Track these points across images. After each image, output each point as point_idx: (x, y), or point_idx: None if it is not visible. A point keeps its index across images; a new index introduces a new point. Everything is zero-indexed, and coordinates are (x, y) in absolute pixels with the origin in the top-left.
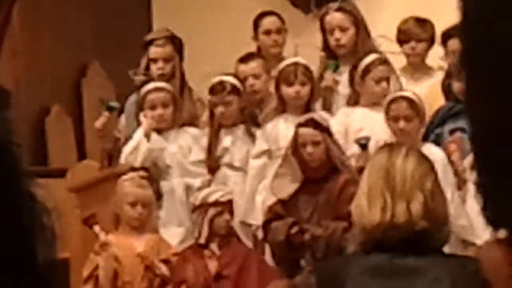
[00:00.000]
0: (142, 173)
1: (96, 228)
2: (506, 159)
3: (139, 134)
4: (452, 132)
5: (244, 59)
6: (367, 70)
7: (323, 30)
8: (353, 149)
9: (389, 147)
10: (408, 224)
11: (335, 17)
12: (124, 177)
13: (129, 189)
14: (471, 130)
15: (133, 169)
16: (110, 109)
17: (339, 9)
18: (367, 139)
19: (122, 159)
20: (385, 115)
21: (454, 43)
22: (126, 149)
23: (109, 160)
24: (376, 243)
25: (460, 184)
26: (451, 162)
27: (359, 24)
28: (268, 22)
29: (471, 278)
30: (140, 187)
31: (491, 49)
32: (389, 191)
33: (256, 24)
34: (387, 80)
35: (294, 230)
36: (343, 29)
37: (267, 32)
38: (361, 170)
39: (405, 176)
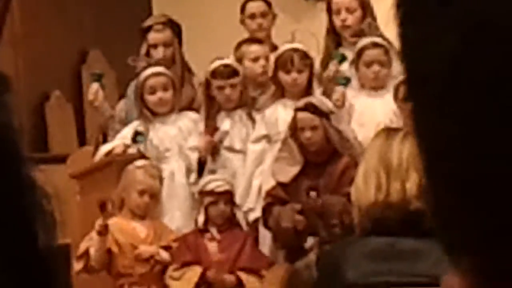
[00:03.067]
0: (154, 162)
1: (105, 214)
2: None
3: (134, 125)
4: None
5: (256, 41)
6: (359, 54)
7: (329, 12)
8: (354, 133)
9: (387, 130)
10: (402, 203)
11: None
12: (137, 163)
13: (140, 178)
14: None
15: (141, 156)
16: (96, 78)
17: None
18: (348, 79)
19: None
20: (394, 97)
21: None
22: (123, 135)
23: (103, 138)
24: (373, 224)
25: None
26: None
27: (366, 7)
28: (252, 6)
29: None
30: (151, 177)
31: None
32: (384, 171)
33: (242, 8)
34: (381, 63)
35: (299, 217)
36: (350, 11)
37: (252, 16)
38: (336, 100)
39: (401, 156)
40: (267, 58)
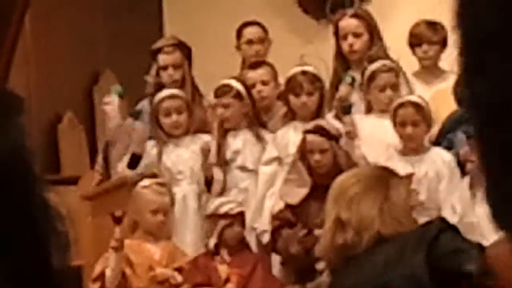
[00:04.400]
0: (160, 180)
1: (117, 229)
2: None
3: (152, 144)
4: (469, 138)
5: (253, 66)
6: (371, 77)
7: (336, 35)
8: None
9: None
10: (328, 245)
11: (349, 23)
12: (142, 184)
13: (150, 197)
14: (473, 124)
15: (146, 176)
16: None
17: (353, 15)
18: (350, 105)
19: (140, 167)
20: (391, 120)
21: None
22: (147, 158)
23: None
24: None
25: (472, 184)
26: (467, 161)
27: (373, 31)
28: (250, 32)
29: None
30: (160, 194)
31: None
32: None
33: (239, 33)
34: (393, 87)
35: (308, 239)
36: (357, 35)
37: (249, 42)
38: (348, 133)
39: (329, 199)
40: (264, 83)
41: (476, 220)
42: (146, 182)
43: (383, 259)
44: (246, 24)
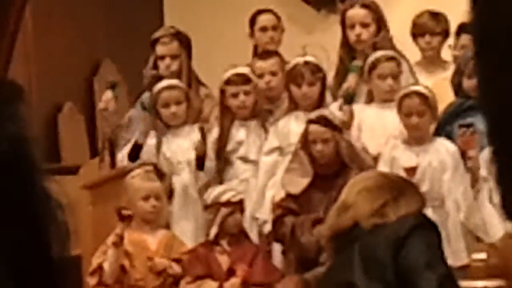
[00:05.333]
0: (147, 167)
1: (120, 224)
2: None
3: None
4: (461, 127)
5: (263, 56)
6: (373, 66)
7: (343, 25)
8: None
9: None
10: (329, 225)
11: (358, 13)
12: (130, 174)
13: (139, 184)
14: (486, 120)
15: (141, 164)
16: (110, 86)
17: (362, 5)
18: (351, 96)
19: (143, 158)
20: (397, 110)
21: (466, 38)
22: (147, 149)
23: (110, 149)
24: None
25: (473, 181)
26: (466, 158)
27: (380, 21)
28: (264, 19)
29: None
30: (149, 180)
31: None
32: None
33: (252, 21)
34: (394, 77)
35: (318, 228)
36: (364, 25)
37: (263, 29)
38: (343, 123)
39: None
40: (273, 73)
41: (480, 221)
42: (133, 172)
43: (358, 252)
44: (260, 12)
